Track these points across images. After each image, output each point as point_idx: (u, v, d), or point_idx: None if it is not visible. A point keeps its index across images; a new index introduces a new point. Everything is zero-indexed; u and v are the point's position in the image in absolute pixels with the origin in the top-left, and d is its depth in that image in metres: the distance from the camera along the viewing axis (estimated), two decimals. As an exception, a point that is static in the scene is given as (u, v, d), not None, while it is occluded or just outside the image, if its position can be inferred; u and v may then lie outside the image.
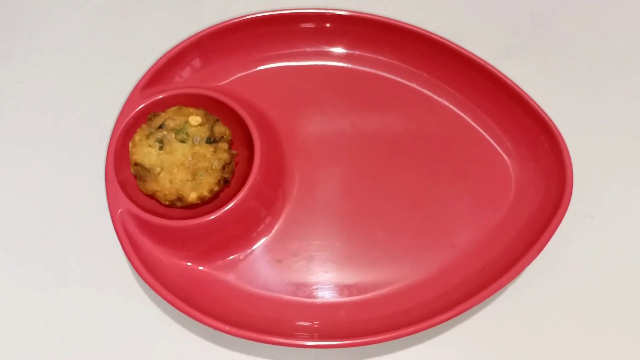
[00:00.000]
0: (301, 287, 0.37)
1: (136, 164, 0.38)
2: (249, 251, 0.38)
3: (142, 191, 0.38)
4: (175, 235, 0.37)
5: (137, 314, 0.37)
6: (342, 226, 0.39)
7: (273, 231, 0.39)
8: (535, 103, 0.39)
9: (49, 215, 0.40)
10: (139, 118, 0.39)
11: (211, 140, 0.39)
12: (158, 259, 0.37)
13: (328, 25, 0.43)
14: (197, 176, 0.38)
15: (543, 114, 0.39)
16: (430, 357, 0.36)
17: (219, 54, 0.43)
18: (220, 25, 0.42)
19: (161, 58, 0.41)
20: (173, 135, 0.39)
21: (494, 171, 0.41)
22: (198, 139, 0.38)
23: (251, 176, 0.37)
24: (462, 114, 0.42)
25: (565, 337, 0.37)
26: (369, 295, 0.37)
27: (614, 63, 0.46)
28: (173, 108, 0.40)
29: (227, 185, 0.39)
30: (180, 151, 0.38)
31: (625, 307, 0.38)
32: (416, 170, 0.41)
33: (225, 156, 0.38)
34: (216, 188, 0.38)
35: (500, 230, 0.38)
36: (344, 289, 0.37)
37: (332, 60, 0.44)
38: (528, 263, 0.35)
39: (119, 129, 0.39)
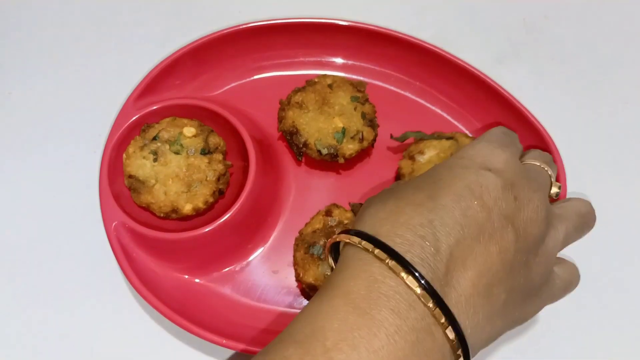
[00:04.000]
0: (298, 298, 0.37)
1: (130, 176, 0.38)
2: (244, 262, 0.38)
3: (136, 203, 0.38)
4: (170, 248, 0.37)
5: (132, 327, 0.37)
6: (338, 236, 0.39)
7: (269, 241, 0.39)
8: (528, 112, 0.40)
9: (43, 229, 0.39)
10: (132, 129, 0.39)
11: (205, 152, 0.38)
12: (154, 271, 0.36)
13: (322, 34, 0.43)
14: (191, 188, 0.38)
15: (537, 123, 0.39)
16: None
17: (213, 64, 0.43)
18: (213, 35, 0.42)
19: (155, 68, 0.41)
20: (167, 146, 0.38)
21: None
22: (192, 150, 0.38)
23: (246, 187, 0.37)
24: (455, 122, 0.42)
25: (561, 350, 0.37)
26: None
27: (605, 69, 0.46)
28: (167, 119, 0.40)
29: (221, 196, 0.39)
30: (174, 163, 0.38)
31: (621, 317, 0.38)
32: (411, 179, 0.41)
33: (219, 167, 0.38)
34: (211, 199, 0.38)
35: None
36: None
37: (326, 70, 0.44)
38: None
39: (113, 141, 0.38)
